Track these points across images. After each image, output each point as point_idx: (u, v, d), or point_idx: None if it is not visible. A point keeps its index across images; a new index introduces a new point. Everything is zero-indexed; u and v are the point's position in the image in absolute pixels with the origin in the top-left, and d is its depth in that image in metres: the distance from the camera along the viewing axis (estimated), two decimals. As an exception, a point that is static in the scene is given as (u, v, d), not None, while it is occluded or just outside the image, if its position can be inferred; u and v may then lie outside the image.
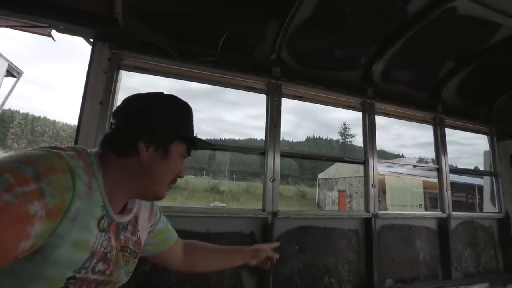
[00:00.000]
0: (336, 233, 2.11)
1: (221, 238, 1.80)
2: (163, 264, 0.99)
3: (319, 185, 25.55)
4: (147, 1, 1.74)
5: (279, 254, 1.21)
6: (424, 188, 16.72)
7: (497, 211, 2.90)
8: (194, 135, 0.80)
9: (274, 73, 2.11)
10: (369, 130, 2.36)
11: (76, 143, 1.50)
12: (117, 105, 0.75)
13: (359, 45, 2.27)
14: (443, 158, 2.64)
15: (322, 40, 2.17)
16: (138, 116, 0.71)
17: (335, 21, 2.01)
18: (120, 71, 1.74)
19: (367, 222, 2.20)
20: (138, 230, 0.81)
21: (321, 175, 25.82)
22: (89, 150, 0.69)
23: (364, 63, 2.38)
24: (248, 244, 1.83)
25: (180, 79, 1.94)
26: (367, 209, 2.23)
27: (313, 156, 2.39)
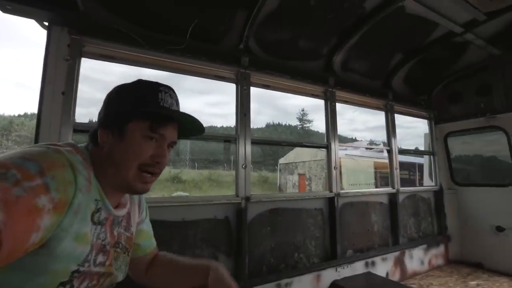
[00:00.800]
0: (303, 212, 2.29)
1: (197, 226, 1.85)
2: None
3: (280, 170, 26.47)
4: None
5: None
6: (375, 168, 18.40)
7: (434, 184, 3.38)
8: (163, 110, 0.69)
9: (243, 63, 2.14)
10: (331, 117, 2.55)
11: (37, 137, 1.40)
12: None
13: (322, 36, 2.40)
14: (393, 140, 2.97)
15: (287, 31, 2.25)
16: (102, 107, 0.73)
17: (299, 12, 2.10)
18: (84, 59, 1.62)
19: (330, 201, 2.42)
20: (131, 226, 0.82)
21: (281, 160, 26.71)
22: (81, 145, 0.70)
23: (326, 54, 2.53)
24: (223, 230, 1.93)
25: (147, 67, 1.88)
26: (330, 189, 2.45)
27: (281, 142, 2.54)
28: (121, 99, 0.69)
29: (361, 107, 2.95)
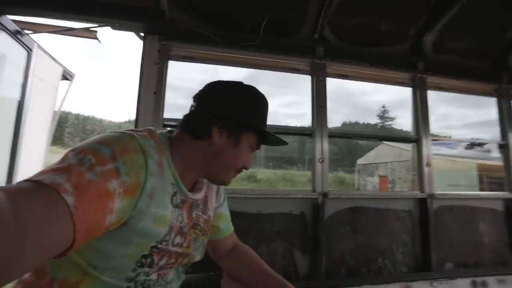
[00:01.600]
0: (389, 213, 2.05)
1: (272, 219, 1.86)
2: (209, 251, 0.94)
3: (358, 171, 24.70)
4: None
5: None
6: (479, 170, 15.28)
7: None
8: (265, 127, 0.78)
9: (318, 53, 2.06)
10: (421, 107, 2.21)
11: (136, 131, 1.64)
12: (199, 89, 0.77)
13: (408, 16, 2.11)
14: (510, 134, 2.38)
15: (366, 14, 2.06)
16: (217, 102, 0.73)
17: None
18: (170, 61, 1.83)
19: (422, 203, 2.10)
20: (208, 209, 0.84)
21: (360, 161, 24.88)
22: (159, 131, 0.74)
23: (413, 35, 2.21)
24: (299, 225, 1.88)
25: (226, 65, 2.00)
26: (421, 189, 2.12)
27: (360, 135, 2.32)
28: (243, 108, 0.73)
29: (461, 93, 2.46)
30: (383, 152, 21.09)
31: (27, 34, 2.12)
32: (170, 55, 1.85)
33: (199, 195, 0.79)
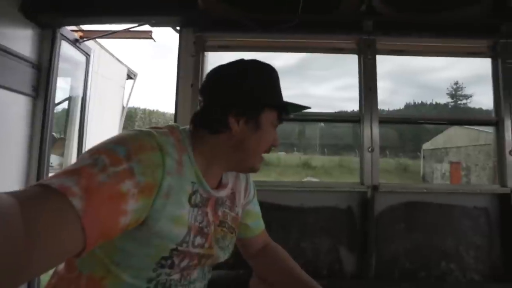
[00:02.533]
0: (456, 211, 1.74)
1: (315, 213, 1.74)
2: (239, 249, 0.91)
3: (424, 157, 22.28)
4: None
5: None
6: None
7: None
8: (282, 98, 0.73)
9: (366, 28, 1.81)
10: (504, 81, 1.79)
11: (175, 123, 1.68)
12: (203, 81, 0.74)
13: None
14: None
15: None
16: (222, 90, 0.68)
17: None
18: (206, 52, 1.82)
19: (502, 199, 1.72)
20: (236, 206, 0.80)
21: (426, 145, 22.37)
22: (182, 127, 0.70)
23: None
24: (346, 221, 1.73)
25: (263, 51, 1.91)
26: (502, 183, 1.75)
27: (420, 120, 1.96)
28: (252, 87, 0.68)
29: None
30: (455, 135, 18.49)
31: (84, 41, 2.33)
32: (205, 46, 1.83)
33: (224, 192, 0.75)
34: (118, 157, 0.51)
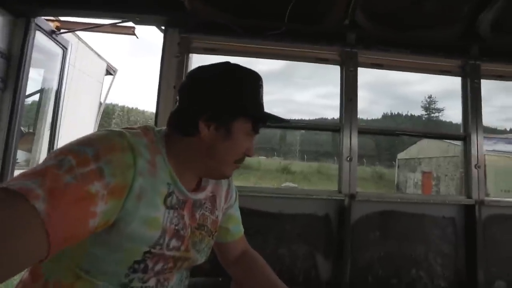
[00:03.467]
0: (426, 220, 1.82)
1: (293, 220, 1.76)
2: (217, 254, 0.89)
3: (398, 166, 23.24)
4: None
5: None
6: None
7: None
8: (262, 109, 0.71)
9: (349, 40, 1.87)
10: (472, 99, 1.91)
11: (155, 124, 1.63)
12: (182, 80, 0.72)
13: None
14: None
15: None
16: (197, 93, 0.66)
17: None
18: (191, 55, 1.79)
19: (468, 210, 1.83)
20: (216, 209, 0.79)
21: (400, 155, 23.36)
22: (157, 129, 0.69)
23: (466, 14, 1.89)
24: (323, 228, 1.76)
25: (248, 56, 1.91)
26: (468, 195, 1.85)
27: (396, 132, 2.06)
28: (229, 94, 0.65)
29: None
30: (427, 147, 19.46)
31: (61, 33, 2.23)
32: (190, 48, 1.81)
33: (202, 194, 0.74)
34: (86, 157, 0.49)
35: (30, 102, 2.73)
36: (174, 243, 0.64)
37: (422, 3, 1.83)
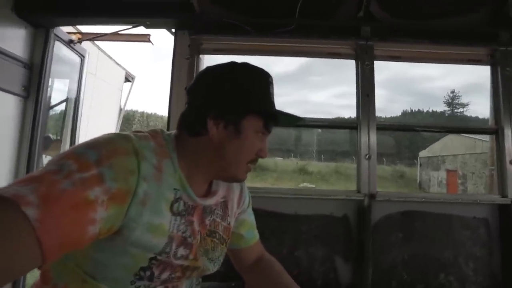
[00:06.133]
0: (454, 221, 1.70)
1: (310, 221, 1.69)
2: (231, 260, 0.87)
3: (420, 164, 22.34)
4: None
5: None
6: None
7: None
8: (273, 106, 0.68)
9: (363, 33, 1.78)
10: (503, 89, 1.76)
11: (168, 125, 1.64)
12: (192, 81, 0.71)
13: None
14: None
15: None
16: (205, 91, 0.66)
17: None
18: (202, 55, 1.78)
19: (502, 210, 1.68)
20: (228, 215, 0.76)
21: (423, 153, 22.46)
22: (168, 132, 0.68)
23: (492, -1, 1.75)
24: (341, 229, 1.68)
25: (259, 55, 1.88)
26: (502, 193, 1.71)
27: (417, 128, 1.91)
28: (236, 90, 0.64)
29: None
30: (451, 144, 18.56)
31: (78, 41, 2.30)
32: (200, 49, 1.80)
33: (213, 200, 0.71)
34: (87, 162, 0.48)
35: (58, 112, 2.87)
36: (181, 251, 0.61)
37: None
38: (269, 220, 1.66)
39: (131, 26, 1.78)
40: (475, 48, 1.81)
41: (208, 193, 0.72)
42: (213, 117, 0.62)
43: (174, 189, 0.60)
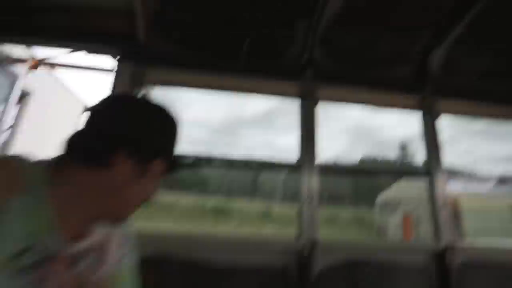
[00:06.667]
0: (398, 270, 1.61)
1: (244, 276, 1.46)
2: None
3: (378, 209, 23.15)
4: (166, 16, 1.69)
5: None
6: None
7: None
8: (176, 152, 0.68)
9: (308, 76, 1.85)
10: (431, 135, 1.86)
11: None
12: (98, 102, 0.60)
13: (409, 33, 1.88)
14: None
15: (362, 32, 1.85)
16: (125, 122, 0.57)
17: (380, 7, 1.71)
18: (149, 87, 1.70)
19: (438, 257, 1.65)
20: (104, 263, 0.61)
21: (380, 197, 23.44)
22: (39, 160, 0.55)
23: (417, 55, 1.95)
24: (281, 285, 1.48)
25: (206, 89, 1.83)
26: (437, 240, 1.69)
27: (357, 170, 1.95)
28: (155, 131, 0.62)
29: (483, 118, 2.10)
30: (406, 186, 19.67)
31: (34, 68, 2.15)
32: (144, 80, 1.71)
33: (85, 244, 0.58)
34: None
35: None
36: None
37: (374, 43, 1.89)
38: (190, 275, 1.39)
39: (71, 50, 1.69)
40: (406, 96, 1.94)
41: (82, 235, 0.58)
42: (126, 153, 0.55)
43: (27, 235, 0.48)
